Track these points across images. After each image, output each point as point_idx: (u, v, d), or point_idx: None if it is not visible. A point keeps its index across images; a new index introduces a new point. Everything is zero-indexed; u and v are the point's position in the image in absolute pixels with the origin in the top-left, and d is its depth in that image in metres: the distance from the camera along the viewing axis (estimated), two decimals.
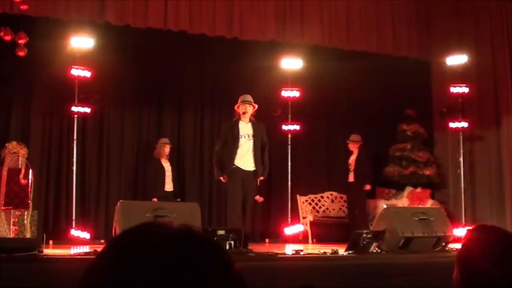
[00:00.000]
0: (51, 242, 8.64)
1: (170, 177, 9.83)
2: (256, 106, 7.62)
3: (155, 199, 9.21)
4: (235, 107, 7.60)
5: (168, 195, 9.64)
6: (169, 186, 9.79)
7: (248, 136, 7.39)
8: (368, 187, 10.64)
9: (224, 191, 8.18)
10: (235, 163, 7.29)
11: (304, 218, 11.03)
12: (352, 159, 10.62)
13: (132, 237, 0.89)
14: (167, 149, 9.87)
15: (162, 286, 0.82)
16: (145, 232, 0.89)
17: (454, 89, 11.12)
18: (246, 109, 7.45)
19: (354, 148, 10.69)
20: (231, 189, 7.37)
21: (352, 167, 10.56)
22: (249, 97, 7.56)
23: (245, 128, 7.43)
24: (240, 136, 7.37)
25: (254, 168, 7.38)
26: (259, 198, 7.88)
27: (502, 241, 1.63)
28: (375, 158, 11.17)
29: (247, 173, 7.35)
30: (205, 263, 0.85)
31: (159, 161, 9.84)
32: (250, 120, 7.51)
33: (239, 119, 7.50)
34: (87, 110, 9.69)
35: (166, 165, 9.86)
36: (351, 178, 10.58)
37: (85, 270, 0.88)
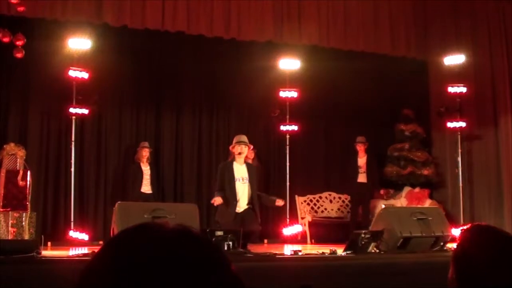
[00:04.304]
0: (49, 243, 8.63)
1: (149, 180, 9.95)
2: (252, 147, 7.52)
3: (131, 202, 9.32)
4: (230, 148, 7.40)
5: (148, 197, 9.71)
6: (147, 188, 9.88)
7: (243, 179, 7.19)
8: (382, 191, 11.01)
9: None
10: (233, 208, 7.09)
11: (302, 218, 11.04)
12: (363, 162, 10.70)
13: (129, 237, 0.89)
14: (145, 153, 9.97)
15: (158, 286, 0.82)
16: (142, 232, 0.89)
17: (451, 89, 11.14)
18: (242, 150, 7.20)
19: (361, 149, 10.76)
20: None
21: (363, 170, 10.69)
22: (244, 138, 7.34)
23: (240, 171, 7.21)
24: (235, 180, 7.16)
25: (252, 211, 7.19)
26: (279, 202, 7.67)
27: (497, 240, 1.64)
28: (373, 158, 11.17)
29: (245, 217, 7.15)
30: (201, 263, 0.85)
31: (138, 164, 9.97)
32: (245, 162, 7.33)
33: (233, 160, 7.27)
34: (85, 111, 9.68)
35: (146, 169, 9.97)
36: (362, 179, 10.65)
37: (82, 271, 0.88)
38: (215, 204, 7.26)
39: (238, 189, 7.16)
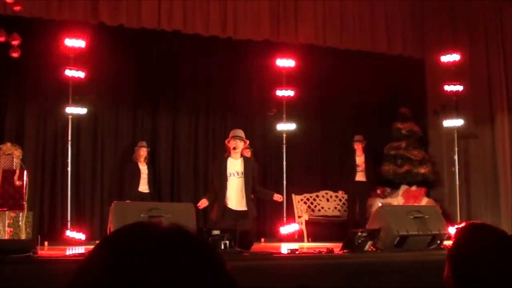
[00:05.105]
0: (46, 243, 8.63)
1: (146, 179, 9.93)
2: (248, 142, 7.41)
3: (128, 201, 9.31)
4: (226, 142, 7.24)
5: (145, 197, 9.69)
6: (144, 188, 9.87)
7: (238, 173, 7.00)
8: (379, 190, 11.06)
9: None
10: (225, 204, 6.94)
11: (299, 217, 11.04)
12: (361, 160, 10.75)
13: (123, 236, 0.89)
14: (142, 152, 9.96)
15: (152, 285, 0.82)
16: (136, 231, 0.89)
17: (448, 87, 11.15)
18: (237, 144, 7.03)
19: (359, 148, 10.80)
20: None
21: (362, 168, 10.77)
22: (240, 132, 7.18)
23: (234, 166, 7.03)
24: (228, 175, 6.98)
25: (246, 208, 6.97)
26: (277, 197, 7.57)
27: (493, 238, 1.64)
28: (370, 156, 11.19)
29: (239, 214, 6.97)
30: (196, 262, 0.85)
31: (136, 163, 9.96)
32: (241, 156, 7.16)
33: (228, 155, 7.10)
34: (82, 111, 9.67)
35: (143, 168, 9.96)
36: (360, 177, 10.72)
37: (76, 270, 0.88)
38: (200, 207, 7.16)
39: (231, 184, 6.99)
